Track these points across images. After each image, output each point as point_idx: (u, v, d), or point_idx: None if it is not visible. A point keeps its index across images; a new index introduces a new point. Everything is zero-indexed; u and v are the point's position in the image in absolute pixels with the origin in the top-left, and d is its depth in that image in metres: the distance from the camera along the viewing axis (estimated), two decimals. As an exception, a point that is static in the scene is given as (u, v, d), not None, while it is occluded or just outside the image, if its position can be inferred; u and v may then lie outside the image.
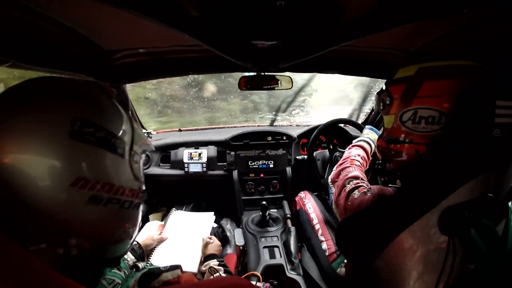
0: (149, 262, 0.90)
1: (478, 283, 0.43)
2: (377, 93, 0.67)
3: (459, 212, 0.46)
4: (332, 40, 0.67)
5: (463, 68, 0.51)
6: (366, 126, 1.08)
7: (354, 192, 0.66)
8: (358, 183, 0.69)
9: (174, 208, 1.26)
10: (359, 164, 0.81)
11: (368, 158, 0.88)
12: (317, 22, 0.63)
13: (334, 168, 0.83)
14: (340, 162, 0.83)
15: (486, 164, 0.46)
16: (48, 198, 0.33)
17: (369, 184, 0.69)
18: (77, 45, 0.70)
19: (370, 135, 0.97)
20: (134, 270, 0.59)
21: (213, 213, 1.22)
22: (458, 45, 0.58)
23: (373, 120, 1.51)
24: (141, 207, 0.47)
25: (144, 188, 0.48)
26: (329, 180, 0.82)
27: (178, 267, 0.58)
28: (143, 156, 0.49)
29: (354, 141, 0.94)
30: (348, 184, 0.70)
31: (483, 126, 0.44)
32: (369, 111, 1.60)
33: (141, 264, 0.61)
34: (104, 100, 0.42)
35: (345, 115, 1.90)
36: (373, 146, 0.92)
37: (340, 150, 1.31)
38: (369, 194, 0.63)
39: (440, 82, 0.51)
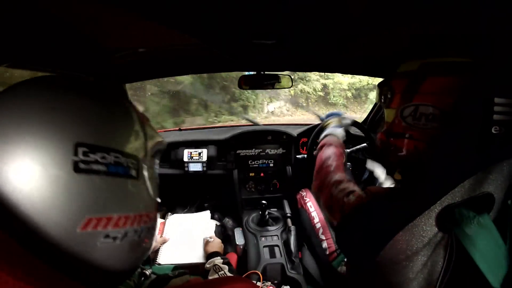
0: (156, 263, 0.91)
1: (475, 281, 0.44)
2: (378, 85, 0.65)
3: (458, 210, 0.46)
4: (331, 38, 0.67)
5: (466, 65, 0.50)
6: (327, 114, 1.00)
7: (349, 197, 0.62)
8: (347, 187, 0.64)
9: (169, 213, 1.28)
10: (336, 165, 0.73)
11: (342, 149, 0.80)
12: (316, 21, 0.63)
13: (314, 179, 0.75)
14: (316, 169, 0.75)
15: (485, 162, 0.46)
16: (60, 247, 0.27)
17: (355, 185, 0.64)
18: (77, 44, 0.70)
19: (330, 125, 0.90)
20: (143, 278, 0.58)
21: (208, 211, 1.23)
22: (452, 41, 0.57)
23: (375, 115, 1.52)
24: (157, 226, 0.41)
25: (159, 200, 0.41)
26: (313, 191, 0.75)
27: (186, 272, 0.57)
28: (157, 158, 0.43)
29: (320, 141, 0.86)
30: (336, 189, 0.65)
31: (481, 123, 0.45)
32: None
33: (148, 271, 0.61)
34: (109, 103, 0.34)
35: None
36: (339, 133, 0.86)
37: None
38: (364, 196, 0.60)
39: (443, 78, 0.50)
